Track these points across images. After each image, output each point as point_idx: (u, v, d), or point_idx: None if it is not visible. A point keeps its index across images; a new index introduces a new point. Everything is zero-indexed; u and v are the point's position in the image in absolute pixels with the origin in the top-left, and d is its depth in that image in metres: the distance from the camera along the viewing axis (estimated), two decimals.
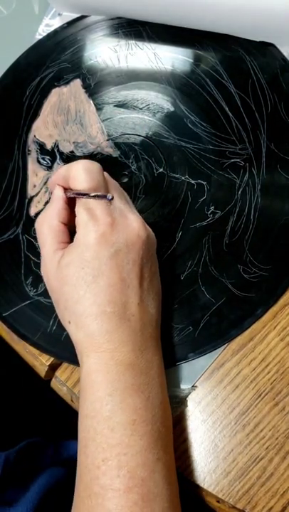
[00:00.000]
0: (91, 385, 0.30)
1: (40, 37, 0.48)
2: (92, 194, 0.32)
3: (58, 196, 0.34)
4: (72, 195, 0.33)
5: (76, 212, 0.33)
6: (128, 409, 0.29)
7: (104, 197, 0.32)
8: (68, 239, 0.34)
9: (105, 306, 0.30)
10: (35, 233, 0.42)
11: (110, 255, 0.31)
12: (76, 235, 0.32)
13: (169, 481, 0.30)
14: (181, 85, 0.42)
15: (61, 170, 0.34)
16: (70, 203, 0.34)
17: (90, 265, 0.31)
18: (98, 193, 0.32)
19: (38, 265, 0.40)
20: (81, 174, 0.32)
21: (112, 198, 0.32)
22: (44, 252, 0.34)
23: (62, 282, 0.32)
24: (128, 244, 0.32)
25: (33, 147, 0.44)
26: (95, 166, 0.33)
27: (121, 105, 0.44)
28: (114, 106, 0.44)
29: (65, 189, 0.35)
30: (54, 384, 0.40)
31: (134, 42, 0.45)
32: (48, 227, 0.34)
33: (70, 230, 0.35)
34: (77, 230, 0.32)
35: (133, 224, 0.32)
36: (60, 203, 0.34)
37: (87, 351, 0.31)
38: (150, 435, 0.29)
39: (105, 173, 0.35)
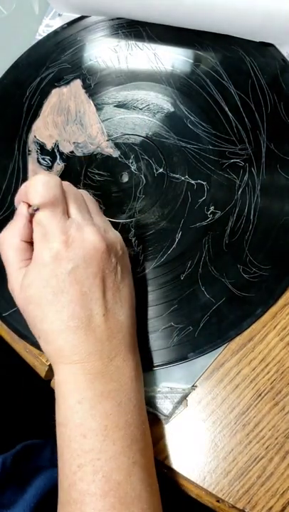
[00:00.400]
0: (62, 394, 0.31)
1: (40, 37, 0.48)
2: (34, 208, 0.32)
3: (20, 213, 0.34)
4: (31, 212, 0.33)
5: (33, 229, 0.33)
6: (98, 415, 0.30)
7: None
8: (31, 255, 0.34)
9: (69, 322, 0.31)
10: None
11: (68, 272, 0.31)
12: (33, 253, 0.32)
13: (147, 482, 0.30)
14: (181, 86, 0.42)
15: (22, 186, 0.34)
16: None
17: (49, 284, 0.31)
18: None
19: None
20: (36, 188, 0.32)
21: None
22: (8, 271, 0.34)
23: (27, 302, 0.32)
24: (86, 259, 0.31)
25: (33, 147, 0.44)
26: (51, 178, 0.33)
27: (121, 105, 0.44)
28: (115, 106, 0.44)
29: (29, 205, 0.34)
30: (54, 384, 0.40)
31: (134, 42, 0.45)
32: (9, 246, 0.33)
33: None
34: (34, 247, 0.33)
35: (89, 238, 0.32)
36: (22, 220, 0.33)
37: (57, 363, 0.32)
38: (123, 440, 0.30)
39: (66, 184, 0.35)
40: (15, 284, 0.33)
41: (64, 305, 0.31)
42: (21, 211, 0.34)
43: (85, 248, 0.32)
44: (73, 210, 0.33)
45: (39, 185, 0.32)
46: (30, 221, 0.33)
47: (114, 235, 0.35)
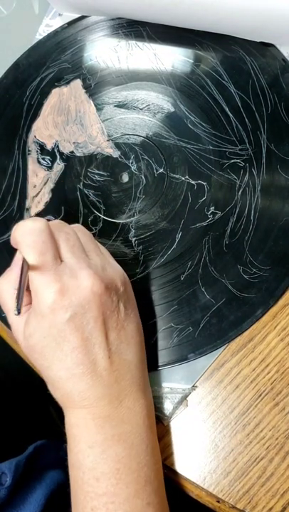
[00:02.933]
0: (73, 438, 0.31)
1: (40, 37, 0.48)
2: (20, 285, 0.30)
3: (15, 263, 0.33)
4: (25, 264, 0.31)
5: (29, 280, 0.32)
6: (110, 459, 0.30)
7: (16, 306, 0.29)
8: (30, 300, 0.33)
9: (74, 369, 0.30)
10: None
11: (66, 320, 0.30)
12: (32, 303, 0.32)
13: None
14: (181, 86, 0.42)
15: (12, 233, 0.32)
16: None
17: (50, 333, 0.30)
18: (20, 291, 0.29)
19: None
20: (23, 240, 0.31)
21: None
22: (9, 320, 0.33)
23: (31, 351, 0.32)
24: (83, 305, 0.30)
25: (33, 147, 0.44)
26: (37, 225, 0.31)
27: (121, 105, 0.44)
28: (115, 106, 0.44)
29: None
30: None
31: (134, 42, 0.45)
32: (7, 295, 0.33)
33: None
34: (32, 297, 0.32)
35: (84, 283, 0.31)
36: (18, 270, 0.32)
37: (66, 407, 0.32)
38: (137, 482, 0.30)
39: (56, 223, 0.34)
40: (17, 332, 0.33)
41: (67, 353, 0.30)
42: (17, 260, 0.33)
43: (81, 294, 0.30)
44: (65, 253, 0.32)
45: (24, 236, 0.31)
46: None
47: (114, 271, 0.33)
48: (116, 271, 0.34)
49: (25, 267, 0.30)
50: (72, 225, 0.35)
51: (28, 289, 0.32)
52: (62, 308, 0.30)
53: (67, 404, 0.31)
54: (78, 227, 0.35)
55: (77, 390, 0.30)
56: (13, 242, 0.33)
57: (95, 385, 0.30)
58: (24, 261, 0.30)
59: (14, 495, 0.38)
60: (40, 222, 0.31)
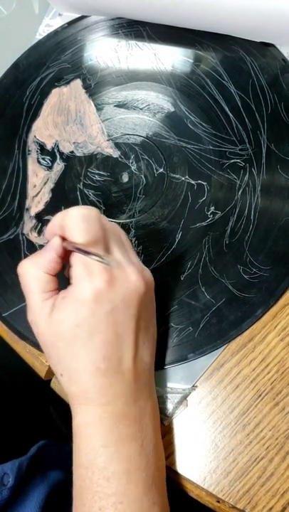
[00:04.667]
0: (84, 436, 0.30)
1: (40, 37, 0.48)
2: (93, 257, 0.29)
3: (51, 246, 0.31)
4: (70, 249, 0.31)
5: (72, 264, 0.31)
6: (122, 459, 0.30)
7: (104, 262, 0.29)
8: (56, 286, 0.32)
9: (100, 363, 0.30)
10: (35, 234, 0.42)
11: (107, 313, 0.30)
12: (71, 289, 0.31)
13: None
14: (181, 86, 0.42)
15: (56, 219, 0.32)
16: (66, 252, 0.32)
17: (86, 323, 0.30)
18: (99, 258, 0.29)
19: None
20: (77, 225, 0.30)
21: (114, 264, 0.30)
22: (30, 303, 0.32)
23: (56, 338, 0.31)
24: (125, 301, 0.30)
25: (33, 147, 0.44)
26: (92, 213, 0.31)
27: (121, 105, 0.44)
28: (115, 106, 0.44)
29: (64, 239, 0.32)
30: (54, 384, 0.40)
31: (134, 42, 0.45)
32: (32, 277, 0.31)
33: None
34: (72, 283, 0.31)
35: (131, 278, 0.31)
36: (52, 255, 0.31)
37: (79, 404, 0.31)
38: (145, 481, 0.30)
39: (103, 218, 0.33)
40: (39, 317, 0.31)
41: (97, 346, 0.30)
42: (54, 245, 0.31)
43: (126, 289, 0.30)
44: (114, 247, 0.32)
45: (80, 220, 0.30)
46: (60, 256, 0.32)
47: (149, 274, 0.34)
48: (150, 275, 0.34)
49: (80, 245, 0.29)
50: (112, 224, 0.34)
51: (52, 275, 0.31)
52: (107, 299, 0.30)
53: (81, 400, 0.30)
54: (117, 226, 0.35)
55: (97, 386, 0.30)
56: (55, 226, 0.31)
57: (116, 382, 0.30)
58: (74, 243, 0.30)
59: (16, 495, 0.38)
60: (95, 210, 0.31)
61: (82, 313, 0.30)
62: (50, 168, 0.44)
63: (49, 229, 0.33)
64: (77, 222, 0.30)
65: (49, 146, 0.44)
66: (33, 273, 0.31)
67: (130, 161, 0.42)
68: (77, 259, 0.31)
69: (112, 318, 0.30)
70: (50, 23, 0.48)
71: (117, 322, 0.30)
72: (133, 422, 0.31)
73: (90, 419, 0.30)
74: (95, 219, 0.31)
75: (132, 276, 0.31)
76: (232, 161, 0.40)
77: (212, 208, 0.39)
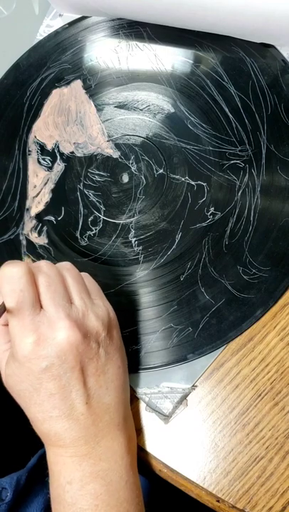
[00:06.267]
0: (53, 473, 0.32)
1: (40, 38, 0.48)
2: None
3: None
4: (1, 310, 0.31)
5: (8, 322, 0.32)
6: (88, 495, 0.30)
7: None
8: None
9: (50, 412, 0.31)
10: (35, 234, 0.43)
11: (43, 370, 0.30)
12: (11, 349, 0.31)
13: None
14: (181, 86, 0.43)
15: None
16: None
17: (27, 380, 0.31)
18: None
19: None
20: (1, 287, 0.30)
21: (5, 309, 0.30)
22: None
23: (10, 390, 0.32)
24: (60, 356, 0.30)
25: (33, 148, 0.44)
26: (15, 271, 0.30)
27: (121, 106, 0.44)
28: (115, 107, 0.44)
29: None
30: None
31: (134, 43, 0.45)
32: None
33: None
34: (11, 342, 0.31)
35: (61, 334, 0.30)
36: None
37: (46, 444, 0.32)
38: None
39: (42, 264, 0.33)
40: (0, 365, 0.33)
41: (44, 399, 0.31)
42: None
43: (57, 345, 0.30)
44: (45, 300, 0.31)
45: (4, 283, 0.30)
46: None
47: (96, 316, 0.32)
48: (99, 314, 0.33)
49: (2, 309, 0.30)
50: (60, 264, 0.34)
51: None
52: (39, 358, 0.30)
53: (46, 441, 0.32)
54: (66, 266, 0.34)
55: (53, 431, 0.31)
56: None
57: (71, 427, 0.31)
58: (2, 304, 0.30)
59: (15, 508, 0.38)
60: (19, 267, 0.30)
61: (22, 371, 0.31)
62: (50, 168, 0.44)
63: None
64: (1, 284, 0.30)
65: (49, 147, 0.44)
66: None
67: (130, 161, 0.42)
68: (9, 321, 0.31)
69: (51, 373, 0.30)
70: (50, 24, 0.48)
71: (58, 376, 0.30)
72: (98, 461, 0.31)
73: (54, 458, 0.32)
74: (18, 279, 0.30)
75: (63, 331, 0.30)
76: (232, 161, 0.40)
77: (212, 209, 0.39)
